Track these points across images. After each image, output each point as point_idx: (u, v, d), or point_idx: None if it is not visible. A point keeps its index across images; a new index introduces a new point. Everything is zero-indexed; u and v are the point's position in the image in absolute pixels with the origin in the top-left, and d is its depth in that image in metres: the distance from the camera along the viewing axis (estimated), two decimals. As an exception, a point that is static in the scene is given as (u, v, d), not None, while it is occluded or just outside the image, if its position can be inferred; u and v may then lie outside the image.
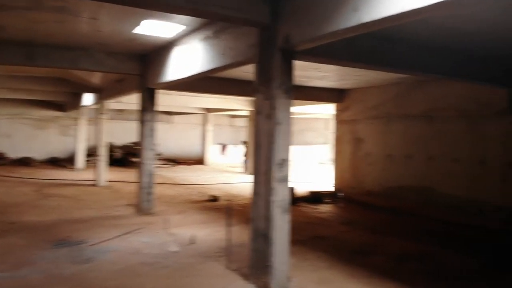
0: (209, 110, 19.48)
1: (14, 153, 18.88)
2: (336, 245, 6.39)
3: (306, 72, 8.28)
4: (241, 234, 6.74)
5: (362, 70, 8.01)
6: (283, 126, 4.25)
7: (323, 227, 7.60)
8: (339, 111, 11.44)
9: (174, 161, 21.09)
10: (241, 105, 15.40)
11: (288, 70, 4.29)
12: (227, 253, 5.37)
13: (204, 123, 20.31)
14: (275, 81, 4.19)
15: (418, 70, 5.75)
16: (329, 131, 23.61)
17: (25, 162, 18.21)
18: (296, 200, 10.25)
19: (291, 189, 10.27)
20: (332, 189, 11.64)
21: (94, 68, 7.68)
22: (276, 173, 4.20)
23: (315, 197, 10.59)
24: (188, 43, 6.29)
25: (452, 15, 4.29)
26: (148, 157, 8.28)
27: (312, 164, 22.28)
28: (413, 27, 4.80)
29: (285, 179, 4.28)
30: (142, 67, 8.09)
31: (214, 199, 10.22)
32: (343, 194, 10.83)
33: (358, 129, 10.79)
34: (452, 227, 7.86)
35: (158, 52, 7.44)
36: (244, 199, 10.54)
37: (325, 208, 9.75)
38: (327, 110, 16.47)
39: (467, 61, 6.27)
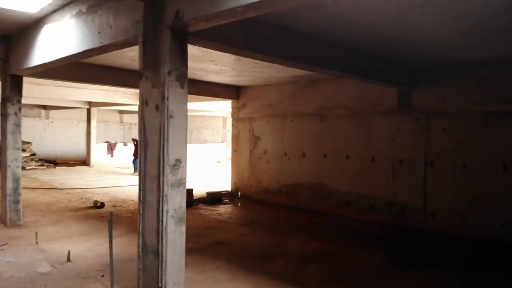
0: (93, 104, 17.63)
1: None
2: (237, 251, 5.95)
3: (202, 64, 7.71)
4: (129, 247, 5.94)
5: (260, 66, 7.76)
6: (177, 119, 3.62)
7: (223, 231, 7.13)
8: (236, 108, 11.11)
9: (53, 162, 18.70)
10: (130, 99, 14.16)
11: (181, 54, 3.67)
12: (111, 271, 4.55)
13: (88, 118, 18.28)
14: (165, 65, 3.53)
15: (316, 65, 5.59)
16: (227, 129, 23.43)
17: None
18: (193, 202, 9.64)
19: (190, 190, 9.70)
20: (231, 188, 11.28)
21: None
22: (169, 177, 3.56)
23: (214, 198, 10.09)
24: (59, 20, 5.22)
25: (353, 6, 4.13)
26: (13, 158, 6.86)
27: (210, 163, 21.81)
28: (313, 18, 4.57)
29: (180, 183, 3.66)
30: (5, 50, 6.65)
31: (99, 205, 9.05)
32: (240, 194, 10.54)
33: (255, 127, 10.59)
34: (347, 223, 8.05)
35: (24, 32, 6.15)
36: (134, 205, 9.55)
37: (224, 209, 9.31)
38: (224, 107, 16.15)
39: (361, 58, 6.35)
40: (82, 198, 10.28)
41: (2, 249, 5.55)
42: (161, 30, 3.57)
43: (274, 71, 8.43)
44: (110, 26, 4.22)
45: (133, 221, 7.67)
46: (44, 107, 19.94)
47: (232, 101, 11.15)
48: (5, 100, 6.76)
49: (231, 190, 11.18)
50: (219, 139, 23.76)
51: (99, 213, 8.43)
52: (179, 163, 3.64)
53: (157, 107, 3.62)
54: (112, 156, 19.11)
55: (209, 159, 22.40)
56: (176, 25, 3.51)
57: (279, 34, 4.99)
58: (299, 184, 9.50)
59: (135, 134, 25.41)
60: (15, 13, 5.34)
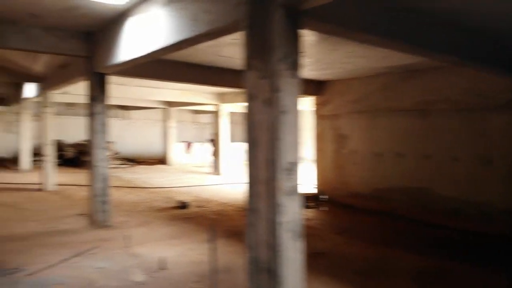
0: (171, 104, 17.93)
1: None
2: (338, 264, 5.30)
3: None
4: (221, 253, 5.52)
5: (353, 55, 7.03)
6: (290, 116, 3.08)
7: (316, 239, 6.50)
8: (319, 105, 10.41)
9: (133, 161, 19.38)
10: (207, 98, 14.06)
11: (293, 37, 3.11)
12: (211, 283, 4.13)
13: (166, 118, 18.69)
14: (277, 51, 3.00)
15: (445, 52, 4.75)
16: (308, 127, 22.73)
17: (-41, 163, 15.94)
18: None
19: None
20: (315, 191, 10.61)
21: (28, 46, 6.12)
22: (282, 183, 3.01)
23: (296, 200, 9.51)
24: (147, 11, 4.93)
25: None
26: (100, 157, 6.82)
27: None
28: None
29: (295, 191, 3.10)
30: (89, 46, 6.59)
31: (183, 205, 8.88)
32: (327, 197, 9.81)
33: (340, 125, 9.82)
34: (453, 233, 7.02)
35: (109, 27, 6.01)
36: (218, 205, 9.28)
37: (311, 214, 8.68)
38: (304, 104, 15.51)
39: (477, 42, 5.37)
40: (165, 197, 10.25)
41: (92, 253, 5.42)
42: (272, 9, 3.03)
43: (366, 61, 7.63)
44: (208, 11, 3.78)
45: (221, 223, 7.34)
46: (124, 107, 20.77)
47: (314, 97, 10.46)
48: (92, 99, 6.73)
49: (315, 193, 10.51)
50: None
51: (184, 214, 8.23)
52: (293, 166, 3.08)
53: (266, 101, 3.09)
54: (189, 155, 19.37)
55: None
56: (289, 2, 2.95)
57: (399, 15, 4.25)
58: (393, 189, 8.57)
59: (209, 134, 25.71)
60: (101, 5, 5.16)
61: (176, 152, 18.90)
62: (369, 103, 9.09)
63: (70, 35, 6.41)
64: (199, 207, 9.09)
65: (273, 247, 3.00)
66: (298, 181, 3.13)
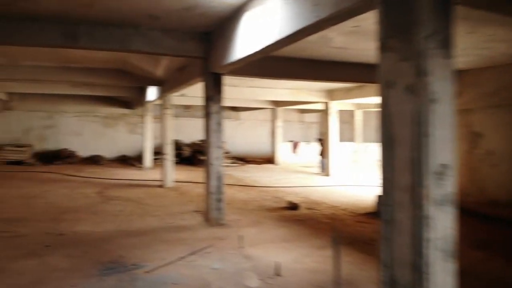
0: (278, 104, 17.90)
1: (84, 152, 18.86)
2: (485, 285, 4.42)
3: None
4: (342, 262, 5.03)
5: (490, 41, 5.97)
6: (441, 105, 2.48)
7: (449, 253, 5.60)
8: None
9: (243, 160, 19.83)
10: (315, 96, 13.59)
11: (445, 8, 2.51)
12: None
13: (273, 118, 18.73)
14: (424, 27, 2.43)
15: None
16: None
17: (94, 160, 18.03)
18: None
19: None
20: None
21: (149, 49, 6.39)
22: (431, 190, 2.44)
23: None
24: (262, 3, 4.67)
25: None
26: (216, 156, 6.85)
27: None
28: None
29: (447, 200, 2.49)
30: (205, 47, 6.66)
31: (294, 206, 8.58)
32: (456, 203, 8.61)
33: (474, 121, 8.51)
34: None
35: (224, 25, 5.94)
36: (328, 208, 8.78)
37: None
38: None
39: None
40: (274, 197, 10.09)
41: (208, 252, 5.37)
42: (417, -24, 2.47)
43: (509, 46, 6.42)
44: (332, -8, 3.34)
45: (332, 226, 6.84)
46: (235, 108, 21.43)
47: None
48: (208, 99, 6.78)
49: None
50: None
51: (295, 216, 7.91)
52: (446, 169, 2.47)
53: (409, 88, 2.53)
54: (296, 155, 19.15)
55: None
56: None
57: None
58: (545, 196, 7.10)
59: (315, 133, 25.20)
60: (218, 2, 5.06)
61: (283, 152, 18.82)
62: (510, 96, 7.69)
63: (187, 36, 6.54)
64: (309, 209, 8.69)
65: (418, 268, 2.43)
66: (452, 188, 2.51)
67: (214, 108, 6.66)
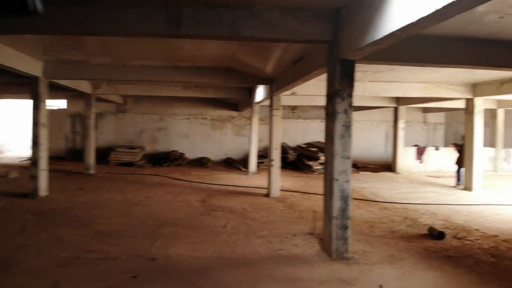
0: (401, 101, 15.46)
1: (191, 153, 18.79)
2: None
3: None
4: None
5: None
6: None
7: None
8: None
9: (355, 165, 17.76)
10: (456, 92, 11.03)
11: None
12: None
13: (394, 118, 16.25)
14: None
15: None
16: None
17: (201, 162, 17.75)
18: None
19: None
20: None
21: (264, 34, 5.03)
22: None
23: None
24: None
25: None
26: (342, 169, 5.23)
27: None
28: None
29: None
30: (333, 28, 5.08)
31: (437, 234, 6.55)
32: None
33: None
34: None
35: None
36: (485, 238, 6.56)
37: None
38: None
39: None
40: (405, 218, 8.08)
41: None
42: None
43: None
44: None
45: (505, 272, 4.75)
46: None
47: None
48: (333, 94, 5.20)
49: None
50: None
51: (442, 249, 5.93)
52: None
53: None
54: (421, 162, 16.42)
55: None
56: None
57: None
58: None
59: (440, 135, 21.84)
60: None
61: (404, 158, 16.26)
62: None
63: (312, 15, 5.05)
64: (459, 239, 6.56)
65: None
66: None
67: (341, 106, 5.05)
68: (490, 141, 16.87)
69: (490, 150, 16.58)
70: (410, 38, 5.09)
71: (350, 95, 5.09)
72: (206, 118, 19.51)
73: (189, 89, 13.24)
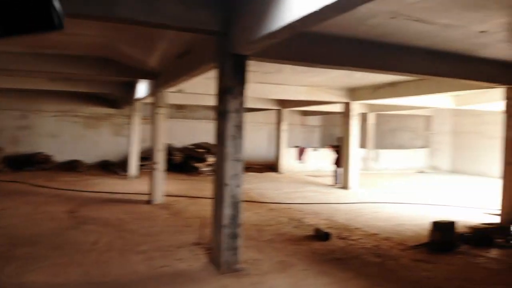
0: (284, 104, 15.85)
1: (61, 156, 16.55)
2: None
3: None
4: None
5: None
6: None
7: None
8: (516, 99, 7.31)
9: (241, 166, 17.72)
10: (334, 96, 11.61)
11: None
12: None
13: (276, 121, 16.64)
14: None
15: None
16: (431, 131, 19.19)
17: (72, 166, 15.74)
18: (456, 243, 6.35)
19: (450, 224, 6.45)
20: (501, 220, 7.53)
21: (144, 17, 4.29)
22: None
23: (482, 237, 6.59)
24: None
25: None
26: (233, 173, 4.79)
27: (408, 174, 18.02)
28: None
29: None
30: (224, 18, 4.60)
31: (323, 235, 6.58)
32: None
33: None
34: None
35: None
36: (367, 237, 6.81)
37: (506, 258, 5.81)
38: (434, 102, 12.27)
39: None
40: (291, 218, 8.08)
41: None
42: None
43: None
44: None
45: (391, 274, 4.86)
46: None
47: (508, 89, 7.38)
48: (224, 92, 4.72)
49: (500, 223, 7.44)
50: (419, 144, 19.61)
51: (329, 251, 5.93)
52: None
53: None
54: (302, 162, 17.12)
55: (407, 169, 18.56)
56: None
57: None
58: None
59: (317, 137, 23.29)
60: None
61: (287, 158, 16.77)
62: None
63: (201, 1, 4.48)
64: (343, 239, 6.70)
65: None
66: None
67: (232, 104, 4.59)
68: (361, 143, 18.44)
69: (362, 151, 18.11)
70: (304, 37, 4.92)
71: (242, 93, 4.68)
72: (78, 116, 17.43)
73: (57, 81, 11.47)
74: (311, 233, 6.86)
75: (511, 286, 4.61)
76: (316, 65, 5.17)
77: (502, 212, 7.47)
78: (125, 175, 13.78)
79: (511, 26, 4.72)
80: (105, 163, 16.92)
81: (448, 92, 10.37)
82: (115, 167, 15.65)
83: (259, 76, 9.16)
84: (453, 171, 18.30)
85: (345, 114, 12.10)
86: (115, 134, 17.99)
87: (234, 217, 4.85)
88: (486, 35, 5.14)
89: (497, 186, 13.14)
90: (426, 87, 9.24)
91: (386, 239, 6.75)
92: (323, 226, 7.38)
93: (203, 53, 5.72)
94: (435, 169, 18.88)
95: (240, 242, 4.95)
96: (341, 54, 5.31)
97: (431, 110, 17.86)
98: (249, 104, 14.68)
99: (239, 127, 4.67)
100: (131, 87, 12.04)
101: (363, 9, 3.64)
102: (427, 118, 19.20)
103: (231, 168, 4.73)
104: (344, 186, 12.10)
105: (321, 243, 6.36)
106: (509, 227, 6.82)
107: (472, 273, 5.09)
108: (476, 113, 16.65)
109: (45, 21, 1.34)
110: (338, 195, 11.27)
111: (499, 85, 7.17)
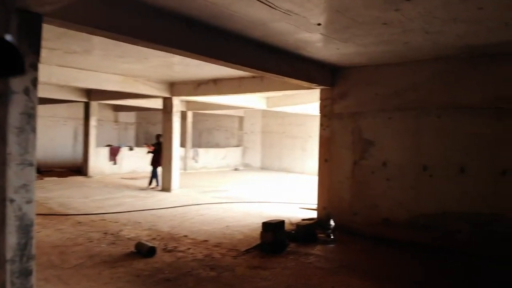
0: (91, 96, 13.74)
1: None
2: None
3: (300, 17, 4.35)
4: None
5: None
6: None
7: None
8: (329, 100, 7.75)
9: (37, 170, 14.62)
10: (155, 89, 10.52)
11: None
12: None
13: (86, 115, 14.29)
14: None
15: None
16: (244, 131, 20.02)
17: None
18: (286, 242, 6.24)
19: (280, 224, 6.28)
20: (317, 215, 7.90)
21: None
22: None
23: (307, 233, 6.71)
24: None
25: None
26: (20, 183, 3.27)
27: (226, 171, 18.38)
28: None
29: None
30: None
31: (147, 250, 5.53)
32: (333, 223, 7.03)
33: (364, 127, 7.28)
34: None
35: None
36: (196, 245, 6.12)
37: (332, 255, 6.06)
38: (246, 102, 12.80)
39: None
40: (105, 232, 6.71)
41: None
42: None
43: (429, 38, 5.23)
44: None
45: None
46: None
47: (322, 90, 7.79)
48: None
49: (318, 218, 7.81)
50: (234, 143, 20.25)
51: (157, 270, 4.96)
52: None
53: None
54: (114, 163, 15.26)
55: (224, 167, 18.95)
56: None
57: None
58: (450, 214, 6.28)
59: (131, 135, 21.58)
60: None
61: (97, 159, 14.67)
62: (414, 98, 6.68)
63: None
64: (169, 251, 5.82)
65: None
66: None
67: (19, 82, 3.07)
68: (180, 142, 17.79)
69: (181, 149, 17.48)
70: (122, 4, 3.81)
71: (35, 67, 3.22)
72: None
73: None
74: (131, 249, 5.72)
75: (350, 287, 4.56)
76: (131, 39, 4.05)
77: (318, 206, 7.87)
78: None
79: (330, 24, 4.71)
80: None
81: (265, 92, 10.66)
82: None
83: (61, 56, 7.29)
84: (263, 168, 19.55)
85: (166, 111, 11.13)
86: None
87: (24, 246, 3.35)
88: (312, 33, 5.07)
89: (300, 181, 14.88)
90: (248, 85, 9.18)
91: (217, 245, 6.17)
92: (145, 238, 6.32)
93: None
94: (247, 166, 19.80)
95: (33, 280, 3.46)
96: (165, 31, 4.35)
97: (243, 110, 18.62)
98: (48, 93, 12.17)
99: (29, 115, 3.19)
100: None
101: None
102: (241, 119, 19.99)
103: (17, 176, 3.21)
104: (165, 188, 11.13)
105: (146, 260, 5.31)
106: (328, 222, 7.06)
107: (309, 276, 4.92)
108: (281, 115, 18.16)
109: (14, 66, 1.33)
110: (159, 198, 10.24)
111: (317, 85, 7.48)
